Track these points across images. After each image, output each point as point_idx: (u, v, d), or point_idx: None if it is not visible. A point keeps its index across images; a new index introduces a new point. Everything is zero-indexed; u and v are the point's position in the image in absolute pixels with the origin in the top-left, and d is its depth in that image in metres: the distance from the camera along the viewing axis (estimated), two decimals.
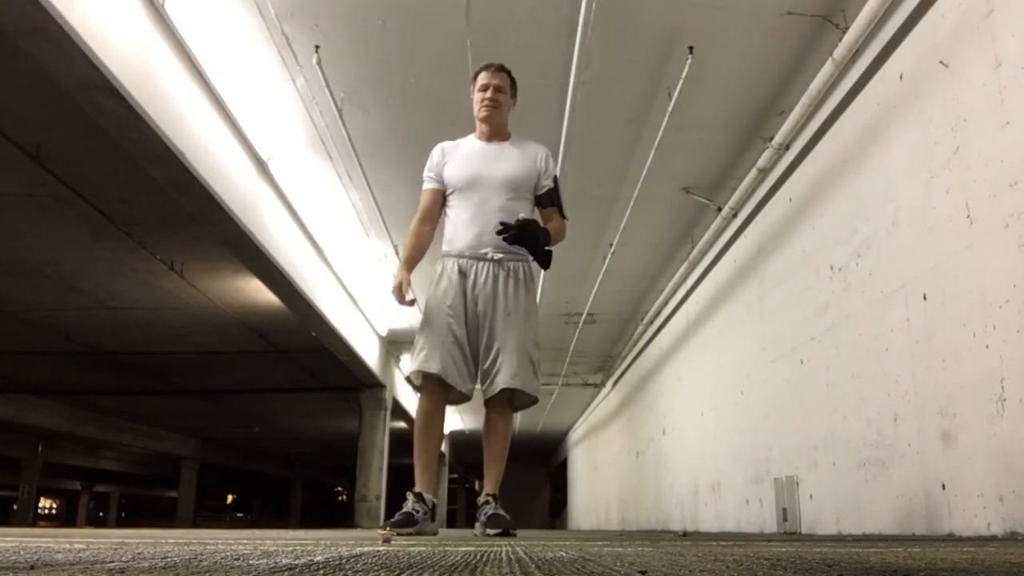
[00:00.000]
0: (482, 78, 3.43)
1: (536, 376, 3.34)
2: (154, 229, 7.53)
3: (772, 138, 5.36)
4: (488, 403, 3.37)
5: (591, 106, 5.34)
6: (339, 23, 4.65)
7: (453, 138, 3.53)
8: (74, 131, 5.63)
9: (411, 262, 3.46)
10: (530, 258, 3.38)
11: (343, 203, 7.03)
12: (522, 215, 3.29)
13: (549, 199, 3.42)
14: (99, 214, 7.08)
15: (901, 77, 4.00)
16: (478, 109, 3.43)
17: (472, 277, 3.30)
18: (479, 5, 4.48)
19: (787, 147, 5.37)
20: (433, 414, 3.33)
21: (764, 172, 5.68)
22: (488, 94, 3.40)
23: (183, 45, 4.73)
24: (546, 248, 3.32)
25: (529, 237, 3.25)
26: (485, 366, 3.30)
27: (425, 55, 4.93)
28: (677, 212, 7.09)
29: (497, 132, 3.45)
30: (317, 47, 4.79)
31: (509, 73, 3.46)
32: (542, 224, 3.41)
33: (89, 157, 6.06)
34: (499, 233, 3.21)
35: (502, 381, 3.24)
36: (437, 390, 3.28)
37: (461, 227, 3.36)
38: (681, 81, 4.88)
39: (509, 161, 3.39)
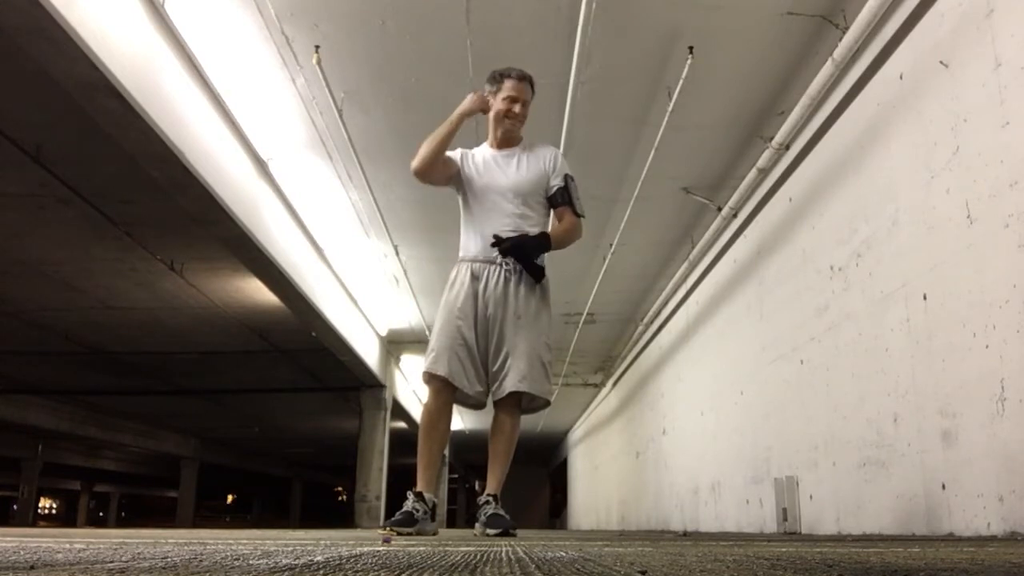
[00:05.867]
0: (511, 88, 3.39)
1: (547, 379, 3.34)
2: (154, 229, 7.53)
3: (772, 138, 5.36)
4: (497, 405, 3.38)
5: (591, 106, 5.34)
6: (339, 23, 4.65)
7: (454, 140, 3.52)
8: (74, 131, 5.63)
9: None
10: (543, 262, 3.41)
11: (343, 203, 7.03)
12: (522, 231, 3.33)
13: (560, 198, 3.43)
14: (99, 214, 7.08)
15: (901, 77, 4.00)
16: (501, 118, 3.42)
17: (484, 281, 3.32)
18: (479, 5, 4.48)
19: (787, 147, 5.37)
20: (438, 414, 3.35)
21: (764, 172, 5.68)
22: (517, 109, 3.39)
23: (183, 45, 4.73)
24: (542, 256, 3.36)
25: (521, 252, 3.28)
26: (495, 369, 3.31)
27: (425, 55, 4.93)
28: (677, 212, 7.09)
29: (510, 139, 3.48)
30: (317, 47, 4.79)
31: (532, 84, 3.45)
32: (557, 222, 3.45)
33: (89, 157, 6.06)
34: (493, 245, 3.26)
35: (511, 384, 3.26)
36: (444, 391, 3.30)
37: (474, 233, 3.39)
38: (681, 81, 4.88)
39: (519, 169, 3.42)
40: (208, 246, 7.57)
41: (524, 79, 3.40)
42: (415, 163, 3.33)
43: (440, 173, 3.42)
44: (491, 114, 3.46)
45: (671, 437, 9.13)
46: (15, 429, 17.95)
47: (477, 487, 33.17)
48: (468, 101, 3.40)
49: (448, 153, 3.44)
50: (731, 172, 6.26)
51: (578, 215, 3.45)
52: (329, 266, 8.57)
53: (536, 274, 3.33)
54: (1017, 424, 3.01)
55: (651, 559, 1.53)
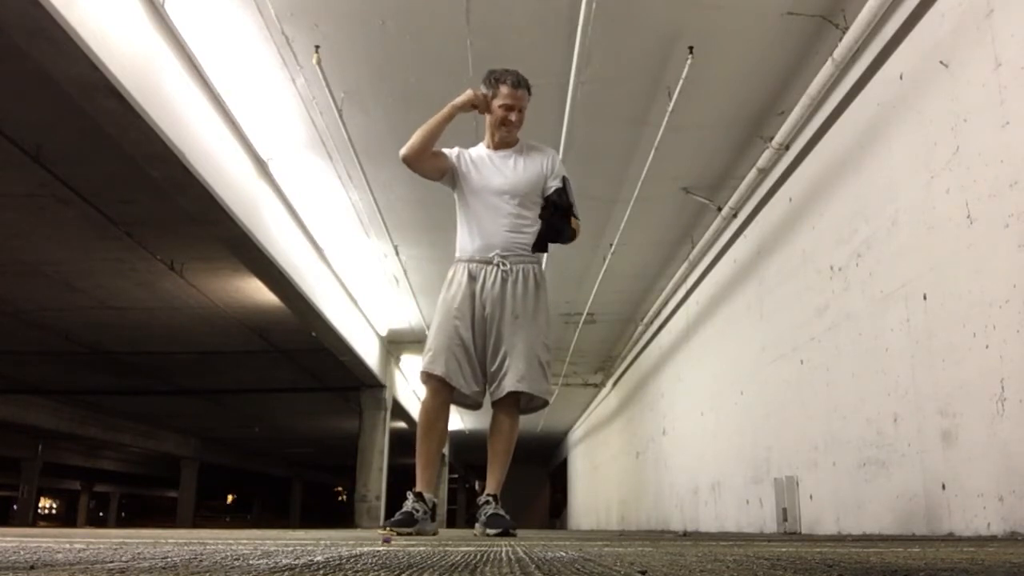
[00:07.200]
0: (508, 95, 3.37)
1: (545, 378, 3.34)
2: (154, 229, 7.53)
3: (772, 138, 5.36)
4: (496, 405, 3.38)
5: (591, 106, 5.34)
6: (339, 23, 4.65)
7: (454, 140, 3.52)
8: (74, 131, 5.63)
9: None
10: (541, 262, 3.43)
11: (343, 203, 7.03)
12: (521, 233, 3.38)
13: (558, 199, 3.43)
14: (99, 214, 7.08)
15: (901, 77, 4.00)
16: (498, 124, 3.42)
17: (481, 281, 3.32)
18: (479, 5, 4.48)
19: (787, 147, 5.37)
20: (437, 413, 3.35)
21: (764, 172, 5.68)
22: (513, 117, 3.39)
23: (183, 45, 4.73)
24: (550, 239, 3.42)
25: (557, 221, 3.35)
26: (493, 369, 3.31)
27: (425, 55, 4.93)
28: (677, 212, 7.09)
29: (507, 141, 3.48)
30: (317, 47, 4.79)
31: (529, 89, 3.44)
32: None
33: (89, 157, 6.06)
34: (547, 197, 3.34)
35: (509, 384, 3.26)
36: (441, 390, 3.30)
37: (471, 233, 3.40)
38: (681, 81, 4.88)
39: (516, 170, 3.42)
40: (208, 246, 7.57)
41: (520, 85, 3.38)
42: (403, 150, 3.33)
43: (430, 164, 3.41)
44: (487, 119, 3.46)
45: (671, 437, 9.13)
46: (15, 429, 17.94)
47: (477, 487, 33.16)
48: (464, 96, 3.40)
49: (444, 150, 3.44)
50: (731, 172, 6.26)
51: (575, 217, 3.46)
52: (329, 266, 8.57)
53: (540, 245, 3.38)
54: (1017, 424, 3.01)
55: (651, 559, 1.53)
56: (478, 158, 3.47)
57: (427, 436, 3.34)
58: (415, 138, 3.32)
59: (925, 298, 3.68)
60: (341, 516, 35.94)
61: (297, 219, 7.34)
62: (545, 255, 3.48)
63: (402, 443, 13.32)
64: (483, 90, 3.43)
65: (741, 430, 6.40)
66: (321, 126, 5.71)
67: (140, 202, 6.80)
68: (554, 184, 3.42)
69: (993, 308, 3.17)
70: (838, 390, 4.60)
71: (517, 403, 3.36)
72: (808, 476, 4.99)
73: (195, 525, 22.68)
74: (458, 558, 1.55)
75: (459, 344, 3.28)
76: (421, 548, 1.93)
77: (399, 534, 3.05)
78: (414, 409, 14.99)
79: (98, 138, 4.81)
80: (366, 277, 9.11)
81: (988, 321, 3.20)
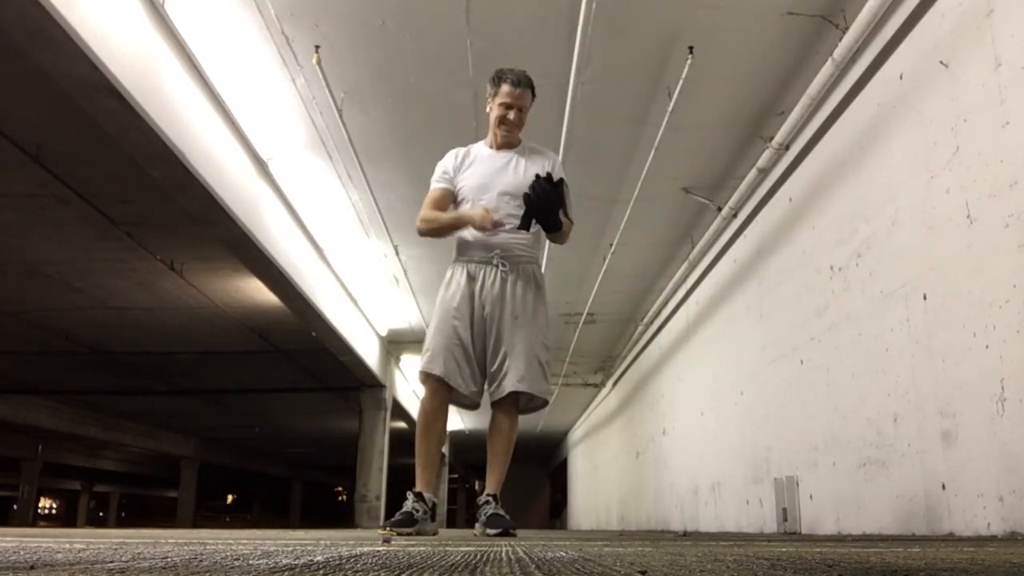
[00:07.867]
0: (507, 94, 3.37)
1: (545, 378, 3.35)
2: (154, 229, 7.53)
3: (772, 138, 5.36)
4: (495, 405, 3.38)
5: (591, 106, 5.34)
6: (339, 23, 4.65)
7: (454, 140, 3.53)
8: (74, 131, 5.63)
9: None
10: (540, 263, 3.42)
11: (343, 203, 7.03)
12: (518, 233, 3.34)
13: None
14: (99, 214, 7.08)
15: (901, 77, 4.00)
16: (498, 123, 3.41)
17: (480, 281, 3.32)
18: (479, 5, 4.48)
19: (787, 147, 5.37)
20: (435, 414, 3.35)
21: (764, 172, 5.68)
22: (511, 116, 3.38)
23: (183, 45, 4.73)
24: (538, 219, 3.31)
25: (546, 206, 3.22)
26: (492, 369, 3.32)
27: (425, 55, 4.94)
28: (677, 212, 7.09)
29: (509, 142, 3.48)
30: (317, 47, 4.79)
31: (532, 89, 3.42)
32: None
33: (89, 157, 6.06)
34: (534, 185, 3.22)
35: (509, 384, 3.26)
36: (440, 390, 3.30)
37: (470, 234, 3.39)
38: (681, 81, 4.88)
39: (517, 170, 3.42)
40: (208, 246, 7.57)
41: (520, 84, 3.37)
42: (421, 229, 3.40)
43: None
44: (489, 118, 3.47)
45: (671, 437, 9.13)
46: (15, 429, 17.94)
47: (477, 487, 33.16)
48: (479, 218, 3.27)
49: (445, 173, 3.45)
50: (731, 172, 6.26)
51: (568, 218, 3.45)
52: (329, 266, 8.57)
53: (525, 223, 3.28)
54: (1017, 424, 3.01)
55: (651, 559, 1.53)
56: (478, 158, 3.47)
57: (426, 436, 3.35)
58: (428, 228, 3.38)
59: (925, 298, 3.68)
60: (341, 516, 35.94)
61: (297, 219, 7.35)
62: (544, 258, 3.48)
63: (402, 443, 13.32)
64: (489, 89, 3.44)
65: (741, 430, 6.40)
66: (321, 126, 5.71)
67: (140, 202, 6.80)
68: None
69: (993, 308, 3.17)
70: (838, 390, 4.60)
71: (517, 403, 3.37)
72: (808, 476, 4.99)
73: (195, 525, 22.69)
74: (458, 558, 1.55)
75: (458, 344, 3.28)
76: (421, 548, 1.93)
77: (399, 534, 3.05)
78: (414, 409, 14.98)
79: (98, 138, 4.81)
80: (366, 277, 9.11)
81: (988, 321, 3.20)
